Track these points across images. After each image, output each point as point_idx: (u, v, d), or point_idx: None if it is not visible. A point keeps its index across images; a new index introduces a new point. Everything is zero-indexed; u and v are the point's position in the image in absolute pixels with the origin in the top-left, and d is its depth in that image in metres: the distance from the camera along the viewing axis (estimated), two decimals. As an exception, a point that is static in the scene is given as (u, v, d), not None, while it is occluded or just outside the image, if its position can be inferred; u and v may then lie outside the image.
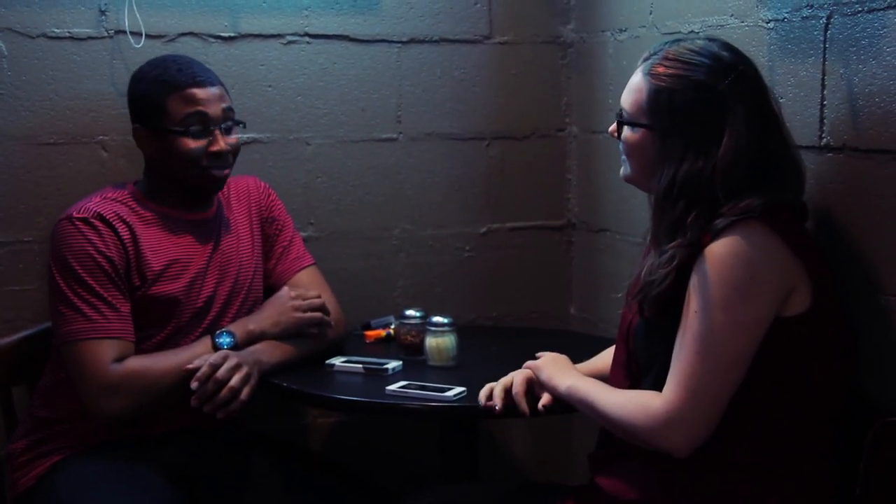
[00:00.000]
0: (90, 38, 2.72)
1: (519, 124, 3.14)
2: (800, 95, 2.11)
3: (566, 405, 2.08)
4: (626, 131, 1.97)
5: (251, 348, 2.39)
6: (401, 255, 3.06)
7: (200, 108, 2.40)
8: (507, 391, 2.16)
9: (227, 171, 2.48)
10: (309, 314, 2.49)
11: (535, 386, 2.15)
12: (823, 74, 2.05)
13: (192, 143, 2.40)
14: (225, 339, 2.38)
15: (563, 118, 3.18)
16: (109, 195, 2.44)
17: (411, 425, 2.99)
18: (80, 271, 2.32)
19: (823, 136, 2.06)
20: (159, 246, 2.43)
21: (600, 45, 2.99)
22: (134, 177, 2.55)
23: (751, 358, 1.81)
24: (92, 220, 2.36)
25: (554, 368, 2.13)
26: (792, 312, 1.82)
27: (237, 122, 2.49)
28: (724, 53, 1.90)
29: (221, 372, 2.28)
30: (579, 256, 3.21)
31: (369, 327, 2.81)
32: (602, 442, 2.05)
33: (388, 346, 2.68)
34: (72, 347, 2.31)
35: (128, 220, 2.40)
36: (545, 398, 2.12)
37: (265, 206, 2.66)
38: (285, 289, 2.53)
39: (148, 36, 2.73)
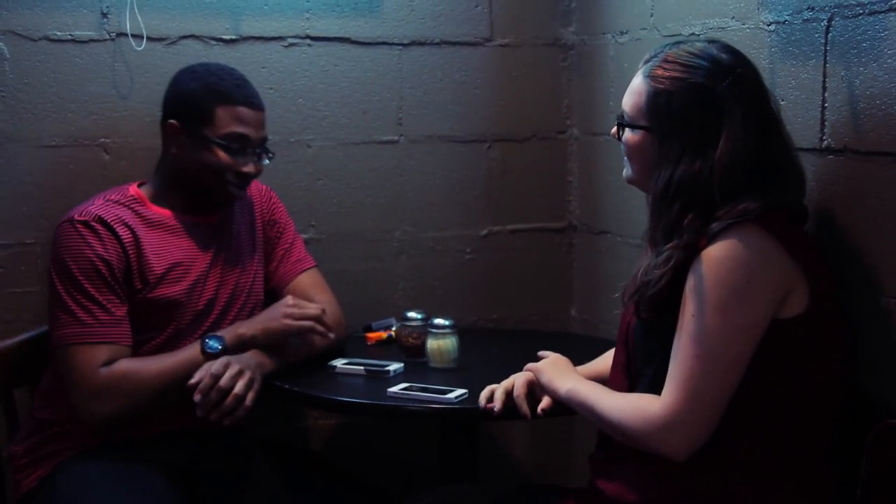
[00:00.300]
0: (92, 40, 2.72)
1: (520, 126, 3.14)
2: (801, 98, 2.12)
3: (566, 408, 2.09)
4: (627, 133, 1.98)
5: (250, 353, 2.39)
6: (402, 258, 3.07)
7: (246, 129, 2.43)
8: (509, 393, 2.16)
9: (243, 193, 2.51)
10: (298, 323, 2.44)
11: (535, 388, 2.16)
12: (824, 77, 2.06)
13: (227, 158, 2.42)
14: (213, 344, 2.37)
15: (564, 120, 3.18)
16: (112, 198, 2.44)
17: (412, 427, 2.99)
18: (78, 274, 2.32)
19: (824, 138, 2.06)
20: (162, 249, 2.43)
21: (601, 47, 2.99)
22: (135, 179, 2.55)
23: (748, 360, 1.81)
24: (93, 223, 2.36)
25: (554, 371, 2.13)
26: (789, 314, 1.82)
27: (268, 152, 2.51)
28: (723, 56, 1.90)
29: (224, 380, 2.27)
30: (580, 258, 3.21)
31: (370, 329, 2.81)
32: (602, 444, 2.05)
33: (389, 348, 2.68)
34: (65, 351, 2.32)
35: (130, 223, 2.40)
36: (545, 402, 2.13)
37: (266, 208, 2.67)
38: (288, 297, 2.52)
39: (149, 38, 2.74)
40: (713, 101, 1.86)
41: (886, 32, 1.90)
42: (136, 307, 2.38)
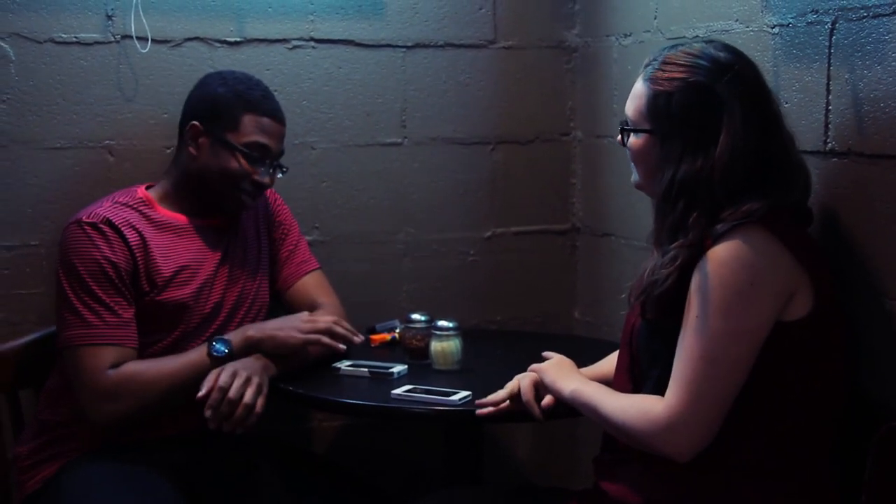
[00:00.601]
0: (97, 42, 2.72)
1: (523, 129, 3.15)
2: (805, 100, 2.12)
3: (570, 408, 2.09)
4: (631, 138, 1.98)
5: (254, 356, 2.39)
6: (405, 260, 3.07)
7: (268, 140, 2.46)
8: (517, 397, 2.17)
9: (254, 203, 2.53)
10: (305, 336, 2.43)
11: (539, 388, 2.16)
12: (828, 79, 2.06)
13: (246, 165, 2.44)
14: (220, 346, 2.37)
15: (568, 122, 3.18)
16: (120, 200, 2.45)
17: (416, 429, 2.99)
18: (85, 276, 2.33)
19: (828, 140, 2.07)
20: (170, 252, 2.43)
21: (605, 49, 2.99)
22: (140, 181, 2.56)
23: (752, 362, 1.81)
24: (101, 225, 2.36)
25: (558, 372, 2.14)
26: (793, 317, 1.82)
27: (282, 167, 2.53)
28: (721, 54, 1.90)
29: (233, 391, 2.27)
30: (584, 261, 3.21)
31: (374, 331, 2.81)
32: (606, 446, 2.05)
33: (393, 350, 2.68)
34: (72, 352, 2.33)
35: (138, 225, 2.41)
36: (546, 399, 2.14)
37: (271, 210, 2.67)
38: (304, 313, 2.51)
39: (154, 41, 2.74)
40: (713, 100, 1.86)
41: (890, 35, 1.90)
42: (143, 310, 2.38)
